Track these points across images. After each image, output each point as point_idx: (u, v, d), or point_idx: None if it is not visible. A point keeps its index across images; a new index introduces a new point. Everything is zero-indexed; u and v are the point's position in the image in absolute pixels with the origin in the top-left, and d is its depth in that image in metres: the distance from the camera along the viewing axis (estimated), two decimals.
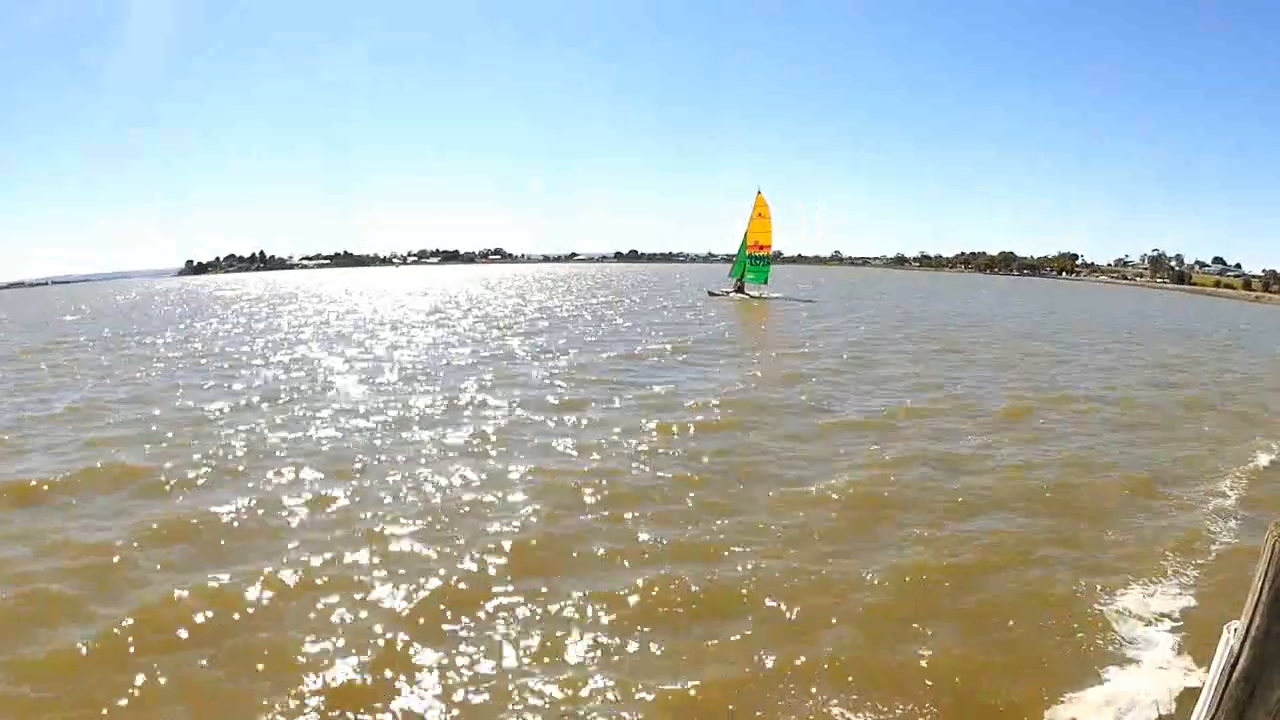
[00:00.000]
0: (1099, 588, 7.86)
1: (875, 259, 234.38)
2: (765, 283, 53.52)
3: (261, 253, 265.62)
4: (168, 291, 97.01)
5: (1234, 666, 3.35)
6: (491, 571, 8.04)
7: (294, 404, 16.61)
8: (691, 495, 10.44)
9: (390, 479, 11.01)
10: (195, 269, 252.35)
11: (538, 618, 7.10)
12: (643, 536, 8.97)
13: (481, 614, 7.19)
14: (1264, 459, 13.03)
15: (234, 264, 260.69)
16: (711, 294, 56.34)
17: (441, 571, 7.98)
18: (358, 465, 11.74)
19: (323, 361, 23.84)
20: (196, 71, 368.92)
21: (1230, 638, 3.36)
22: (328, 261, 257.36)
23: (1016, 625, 7.18)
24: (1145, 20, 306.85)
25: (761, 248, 52.77)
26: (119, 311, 56.20)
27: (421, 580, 7.77)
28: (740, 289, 54.16)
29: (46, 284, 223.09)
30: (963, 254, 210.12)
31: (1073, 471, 11.97)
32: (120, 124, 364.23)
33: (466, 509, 9.82)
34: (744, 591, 7.65)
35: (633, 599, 7.42)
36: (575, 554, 8.50)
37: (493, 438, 13.35)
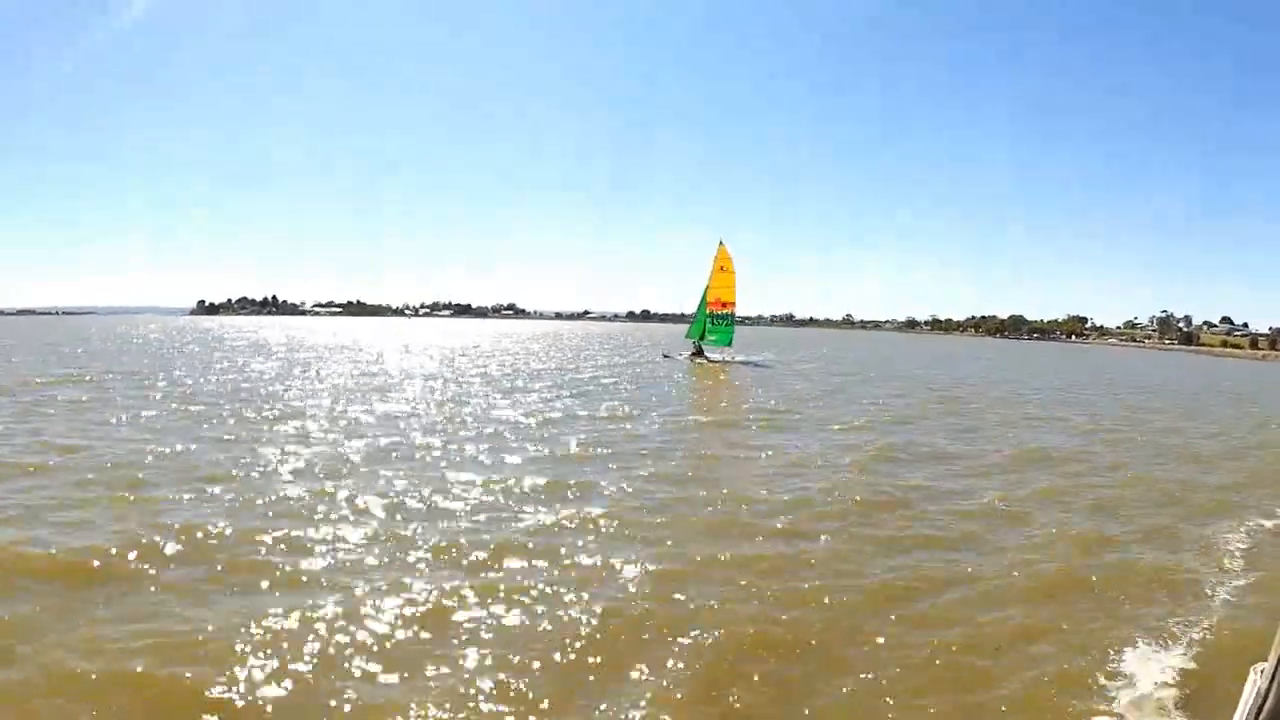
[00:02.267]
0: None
1: (887, 323, 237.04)
2: (729, 344, 47.90)
3: (274, 297, 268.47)
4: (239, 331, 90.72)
5: (1260, 709, 3.35)
6: None
7: None
8: None
9: None
10: (207, 309, 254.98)
11: None
12: None
13: None
14: None
15: (246, 306, 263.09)
16: (666, 357, 51.44)
17: None
18: None
19: None
20: (201, 113, 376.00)
21: (1258, 679, 3.36)
22: (340, 310, 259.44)
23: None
24: (1152, 74, 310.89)
25: (724, 305, 47.45)
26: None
27: None
28: (699, 352, 48.12)
29: (56, 314, 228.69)
30: (972, 317, 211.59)
31: None
32: (121, 159, 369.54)
33: None
34: None
35: None
36: None
37: None
